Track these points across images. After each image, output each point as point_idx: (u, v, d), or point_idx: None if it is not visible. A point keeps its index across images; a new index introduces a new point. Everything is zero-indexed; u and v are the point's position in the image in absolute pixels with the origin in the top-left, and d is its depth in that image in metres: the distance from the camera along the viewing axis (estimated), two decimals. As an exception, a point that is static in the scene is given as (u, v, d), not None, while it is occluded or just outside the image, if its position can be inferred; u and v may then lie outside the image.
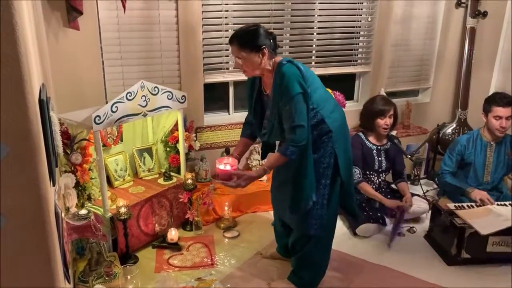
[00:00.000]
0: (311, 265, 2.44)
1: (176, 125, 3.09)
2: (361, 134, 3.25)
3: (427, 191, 3.58)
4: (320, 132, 2.21)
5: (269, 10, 3.43)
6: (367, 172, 3.23)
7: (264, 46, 2.08)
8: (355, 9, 3.73)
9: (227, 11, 3.32)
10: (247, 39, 2.09)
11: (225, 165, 2.17)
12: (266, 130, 2.29)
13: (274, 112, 2.17)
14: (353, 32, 3.81)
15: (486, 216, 2.78)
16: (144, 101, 2.71)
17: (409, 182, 3.42)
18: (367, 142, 3.21)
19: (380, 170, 3.23)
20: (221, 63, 3.46)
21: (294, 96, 2.04)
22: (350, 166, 2.39)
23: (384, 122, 3.11)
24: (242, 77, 3.52)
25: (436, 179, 3.61)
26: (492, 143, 3.14)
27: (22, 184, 1.23)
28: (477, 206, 2.93)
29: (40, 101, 1.38)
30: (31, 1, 1.78)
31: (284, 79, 2.06)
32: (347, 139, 2.34)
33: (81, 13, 2.77)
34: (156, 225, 2.95)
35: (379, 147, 3.22)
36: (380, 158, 3.21)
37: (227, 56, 3.46)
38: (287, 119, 2.10)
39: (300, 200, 2.23)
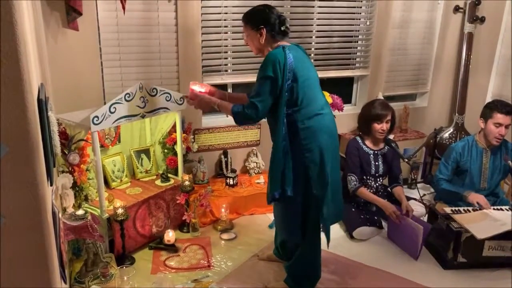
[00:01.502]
0: (302, 271, 2.44)
1: (174, 126, 3.09)
2: (358, 138, 3.25)
3: (424, 195, 3.59)
4: (293, 134, 2.19)
5: (268, 13, 3.44)
6: (364, 177, 3.23)
7: (262, 26, 2.15)
8: (354, 13, 3.75)
9: (226, 13, 3.33)
10: (250, 16, 2.22)
11: (201, 87, 2.44)
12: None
13: None
14: (351, 36, 3.83)
15: (483, 221, 2.79)
16: (142, 102, 2.71)
17: (405, 186, 3.42)
18: (363, 146, 3.22)
19: (377, 174, 3.23)
20: (220, 65, 3.47)
21: (262, 77, 2.11)
22: (325, 180, 2.21)
23: (380, 127, 3.12)
24: (240, 79, 3.54)
25: (432, 186, 3.62)
26: (487, 149, 3.14)
27: (20, 183, 1.24)
28: (474, 210, 2.94)
29: (39, 100, 1.38)
30: (31, 1, 1.79)
31: (265, 59, 2.13)
32: (322, 151, 2.18)
33: (80, 14, 2.77)
34: (153, 226, 2.94)
35: (376, 152, 3.22)
36: (377, 163, 3.21)
37: (226, 58, 3.47)
38: (251, 92, 2.18)
39: (268, 192, 2.30)
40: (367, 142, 3.23)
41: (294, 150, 2.20)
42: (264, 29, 2.15)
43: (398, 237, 3.02)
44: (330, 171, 2.22)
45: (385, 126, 3.12)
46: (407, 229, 2.89)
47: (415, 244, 2.84)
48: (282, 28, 2.19)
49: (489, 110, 3.05)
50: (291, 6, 3.52)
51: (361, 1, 3.73)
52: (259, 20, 2.16)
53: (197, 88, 2.41)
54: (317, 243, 2.42)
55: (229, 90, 3.63)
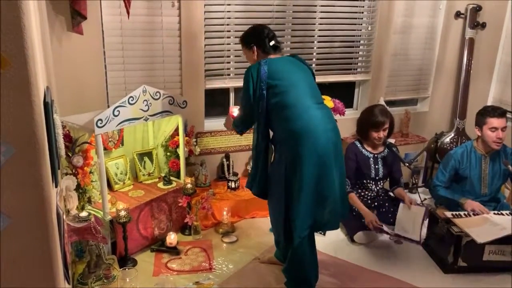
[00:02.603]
0: (296, 273, 2.42)
1: (176, 130, 3.11)
2: (357, 142, 3.27)
3: (425, 199, 3.59)
4: (273, 138, 2.38)
5: (270, 18, 3.47)
6: (364, 181, 3.24)
7: (252, 44, 2.39)
8: (356, 18, 3.78)
9: (229, 18, 3.36)
10: (244, 35, 2.47)
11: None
12: None
13: None
14: (353, 41, 3.85)
15: (483, 225, 2.79)
16: (145, 105, 2.73)
17: (406, 191, 3.43)
18: (363, 150, 3.23)
19: (377, 178, 3.25)
20: (222, 69, 3.50)
21: (242, 91, 2.35)
22: (312, 188, 2.21)
23: (377, 135, 3.13)
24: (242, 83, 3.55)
25: (429, 191, 3.62)
26: (486, 155, 3.15)
27: (26, 184, 1.25)
28: (474, 215, 2.94)
29: (45, 103, 1.41)
30: (37, 4, 1.81)
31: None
32: (302, 157, 2.18)
33: (85, 17, 2.80)
34: (155, 229, 2.96)
35: (375, 155, 3.24)
36: (376, 166, 3.23)
37: (228, 62, 3.50)
38: None
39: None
40: (366, 146, 3.25)
41: (278, 152, 2.34)
42: (255, 46, 2.39)
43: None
44: (312, 178, 2.19)
45: (382, 134, 3.13)
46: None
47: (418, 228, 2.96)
48: (271, 44, 2.39)
49: (481, 116, 3.06)
50: (293, 12, 3.55)
51: (363, 7, 3.75)
52: (250, 39, 2.42)
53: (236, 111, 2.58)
54: (305, 245, 2.33)
55: (231, 95, 3.66)
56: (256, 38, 2.40)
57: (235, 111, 2.56)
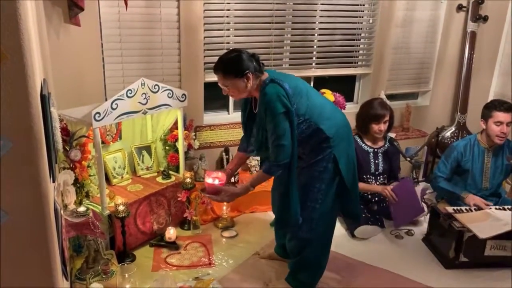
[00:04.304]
0: (309, 268, 2.44)
1: (175, 123, 3.08)
2: (357, 137, 3.24)
3: (426, 194, 3.58)
4: (318, 139, 2.22)
5: (270, 10, 3.43)
6: (364, 176, 3.22)
7: (247, 71, 2.10)
8: (357, 11, 3.73)
9: (228, 10, 3.31)
10: (230, 66, 2.12)
11: (214, 179, 2.27)
12: (253, 147, 2.34)
13: (260, 130, 2.21)
14: (354, 34, 3.81)
15: (485, 220, 2.78)
16: (144, 98, 2.70)
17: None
18: (363, 145, 3.21)
19: (377, 173, 3.22)
20: (222, 62, 3.45)
21: (276, 116, 2.08)
22: (354, 169, 2.34)
23: (378, 127, 3.11)
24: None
25: (430, 183, 3.61)
26: (489, 149, 3.14)
27: (23, 179, 1.22)
28: (476, 210, 2.93)
29: (42, 96, 1.37)
30: (34, -5, 1.77)
31: (266, 99, 2.10)
32: (349, 143, 2.32)
33: (82, 9, 2.76)
34: (154, 223, 2.93)
35: (376, 150, 3.21)
36: (376, 161, 3.20)
37: (228, 55, 3.45)
38: (270, 137, 2.14)
39: (287, 219, 2.29)
40: (366, 141, 3.22)
41: (321, 153, 2.24)
42: (250, 73, 2.11)
43: (402, 212, 3.08)
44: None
45: (382, 126, 3.11)
46: (403, 196, 3.03)
47: (416, 199, 3.02)
48: (260, 65, 2.16)
49: (488, 110, 3.06)
50: (293, 4, 3.51)
51: (364, 0, 3.71)
52: (241, 67, 2.10)
53: (210, 181, 2.27)
54: (328, 240, 2.45)
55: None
56: (249, 62, 2.11)
57: (210, 181, 2.26)
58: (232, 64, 2.12)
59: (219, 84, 2.21)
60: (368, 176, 3.22)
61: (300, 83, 2.25)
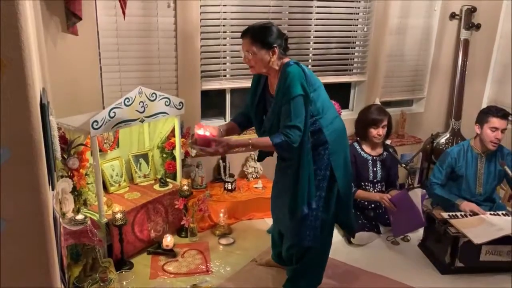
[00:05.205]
0: (308, 275, 2.44)
1: (172, 131, 3.09)
2: (355, 144, 3.27)
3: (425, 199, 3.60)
4: (316, 142, 2.21)
5: (266, 18, 3.46)
6: (362, 183, 3.24)
7: (275, 45, 2.09)
8: (351, 19, 3.78)
9: (225, 19, 3.35)
10: (261, 34, 2.08)
11: (205, 130, 2.10)
12: (265, 128, 2.28)
13: (275, 111, 2.16)
14: (349, 42, 3.85)
15: (480, 226, 2.80)
16: (141, 107, 2.71)
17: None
18: (361, 152, 3.23)
19: (375, 180, 3.24)
20: (219, 70, 3.48)
21: (295, 97, 2.04)
22: (349, 178, 2.37)
23: (376, 132, 3.14)
24: (239, 84, 3.55)
25: (426, 190, 3.63)
26: (482, 155, 3.17)
27: (22, 187, 1.23)
28: (471, 215, 2.95)
29: (42, 105, 1.39)
30: (32, 4, 1.79)
31: (288, 78, 2.06)
32: (346, 151, 2.33)
33: (80, 18, 2.78)
34: (152, 231, 2.94)
35: (374, 157, 3.23)
36: (375, 169, 3.22)
37: (225, 63, 3.48)
38: (284, 118, 2.08)
39: (296, 207, 2.23)
40: (365, 148, 3.24)
41: (319, 159, 2.23)
42: (277, 48, 2.10)
43: (402, 223, 3.05)
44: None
45: (381, 131, 3.14)
46: (403, 207, 2.97)
47: (417, 211, 2.93)
48: (287, 46, 2.17)
49: (484, 115, 3.09)
50: (289, 12, 3.55)
51: (359, 8, 3.76)
52: (273, 39, 2.08)
53: (201, 132, 2.08)
54: (328, 248, 2.48)
55: (228, 96, 3.64)
56: (278, 38, 2.10)
57: (201, 132, 2.08)
58: (263, 32, 2.09)
59: (242, 50, 2.14)
60: (366, 183, 3.24)
61: (318, 80, 2.25)
